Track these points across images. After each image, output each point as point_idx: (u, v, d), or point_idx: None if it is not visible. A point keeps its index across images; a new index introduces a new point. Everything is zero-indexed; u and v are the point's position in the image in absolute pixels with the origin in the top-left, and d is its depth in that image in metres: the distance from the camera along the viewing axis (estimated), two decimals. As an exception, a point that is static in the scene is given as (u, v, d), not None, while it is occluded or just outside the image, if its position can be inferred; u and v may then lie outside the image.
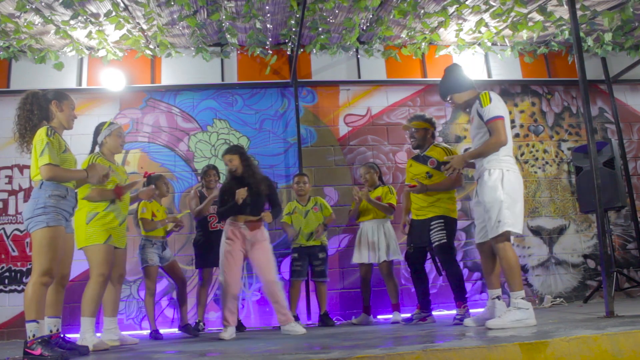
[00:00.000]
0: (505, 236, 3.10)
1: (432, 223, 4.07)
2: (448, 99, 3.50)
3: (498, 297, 3.34)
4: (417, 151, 4.37)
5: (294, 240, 5.01)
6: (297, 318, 4.94)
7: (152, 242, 4.59)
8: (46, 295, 2.87)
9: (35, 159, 2.92)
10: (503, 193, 3.07)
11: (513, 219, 3.06)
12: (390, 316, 4.88)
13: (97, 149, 3.83)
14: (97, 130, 3.84)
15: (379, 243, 4.76)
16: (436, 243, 4.04)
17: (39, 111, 3.05)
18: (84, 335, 3.40)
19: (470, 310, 4.00)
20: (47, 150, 2.86)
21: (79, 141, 5.01)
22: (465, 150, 5.72)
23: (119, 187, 3.64)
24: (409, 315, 4.48)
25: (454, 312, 4.11)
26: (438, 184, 4.10)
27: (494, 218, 3.07)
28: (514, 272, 3.05)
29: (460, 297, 3.97)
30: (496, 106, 3.16)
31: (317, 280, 5.00)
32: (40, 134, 2.92)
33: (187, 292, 4.76)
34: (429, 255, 4.34)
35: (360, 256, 4.85)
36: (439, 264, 4.23)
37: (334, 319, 5.12)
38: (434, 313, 4.51)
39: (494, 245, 3.15)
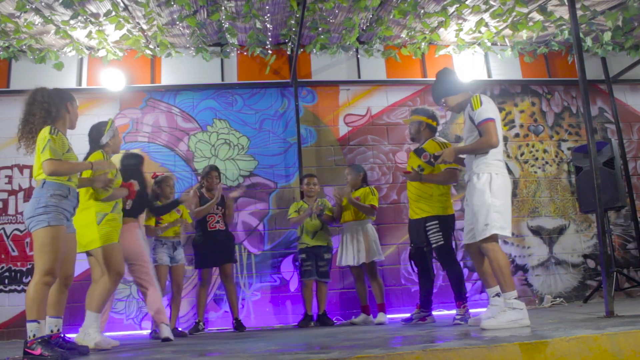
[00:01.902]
0: (493, 238, 3.12)
1: (427, 225, 4.05)
2: (442, 101, 3.55)
3: (498, 295, 3.34)
4: (416, 144, 4.40)
5: (315, 209, 4.99)
6: (312, 318, 4.96)
7: (162, 242, 4.68)
8: (48, 295, 2.87)
9: (37, 158, 2.90)
10: (491, 196, 3.11)
11: (501, 222, 3.10)
12: (392, 316, 4.88)
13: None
14: (99, 131, 3.67)
15: (359, 245, 4.79)
16: (434, 245, 4.04)
17: (55, 109, 2.98)
18: (88, 329, 3.38)
19: (470, 310, 4.00)
20: (49, 146, 2.83)
21: (79, 141, 5.00)
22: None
23: (133, 188, 3.62)
24: (408, 315, 4.48)
25: (454, 312, 4.10)
26: (434, 175, 4.06)
27: (482, 221, 3.11)
28: (504, 273, 3.07)
29: (460, 297, 3.97)
30: (486, 109, 3.22)
31: (319, 280, 5.02)
32: (44, 132, 2.88)
33: (180, 300, 4.80)
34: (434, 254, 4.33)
35: (342, 259, 4.90)
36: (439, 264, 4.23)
37: (333, 319, 5.13)
38: (434, 313, 4.51)
39: (482, 247, 3.19)
